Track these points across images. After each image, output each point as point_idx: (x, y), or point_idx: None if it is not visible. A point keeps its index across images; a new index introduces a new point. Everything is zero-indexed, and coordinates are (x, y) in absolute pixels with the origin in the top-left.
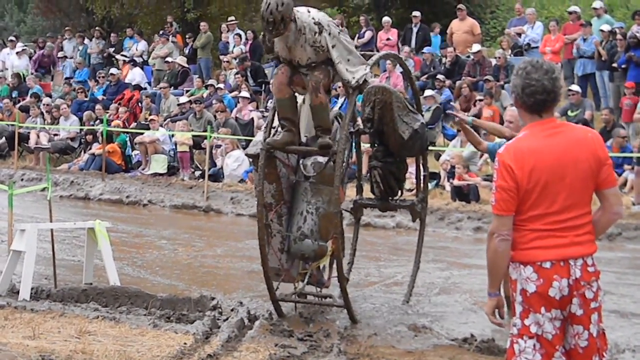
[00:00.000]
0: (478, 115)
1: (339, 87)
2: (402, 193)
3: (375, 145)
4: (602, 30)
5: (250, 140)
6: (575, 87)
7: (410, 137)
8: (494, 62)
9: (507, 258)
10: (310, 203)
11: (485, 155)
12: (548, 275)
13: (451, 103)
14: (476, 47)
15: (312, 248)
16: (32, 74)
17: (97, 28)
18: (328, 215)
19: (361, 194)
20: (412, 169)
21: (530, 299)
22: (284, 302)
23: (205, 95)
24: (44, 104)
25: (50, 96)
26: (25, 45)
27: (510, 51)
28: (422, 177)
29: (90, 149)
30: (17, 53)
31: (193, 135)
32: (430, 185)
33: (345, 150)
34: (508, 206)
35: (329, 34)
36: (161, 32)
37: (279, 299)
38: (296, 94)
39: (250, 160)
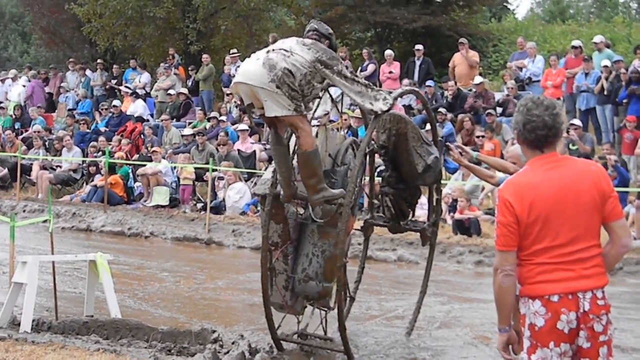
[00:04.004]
0: (477, 149)
1: (345, 119)
2: (413, 215)
3: (388, 170)
4: (605, 66)
5: (252, 173)
6: (577, 122)
7: (424, 171)
8: (499, 95)
9: (512, 293)
10: (316, 245)
11: (487, 189)
12: (556, 308)
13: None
14: (478, 80)
15: (316, 290)
16: (25, 104)
17: (99, 60)
18: (334, 258)
19: (372, 212)
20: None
21: (539, 334)
22: (281, 330)
23: (207, 127)
24: (35, 131)
25: (49, 130)
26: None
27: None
28: (434, 202)
29: (92, 180)
30: (23, 85)
31: (195, 168)
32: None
33: (358, 178)
34: (509, 241)
35: None
36: (166, 65)
37: (281, 338)
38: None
39: (254, 194)
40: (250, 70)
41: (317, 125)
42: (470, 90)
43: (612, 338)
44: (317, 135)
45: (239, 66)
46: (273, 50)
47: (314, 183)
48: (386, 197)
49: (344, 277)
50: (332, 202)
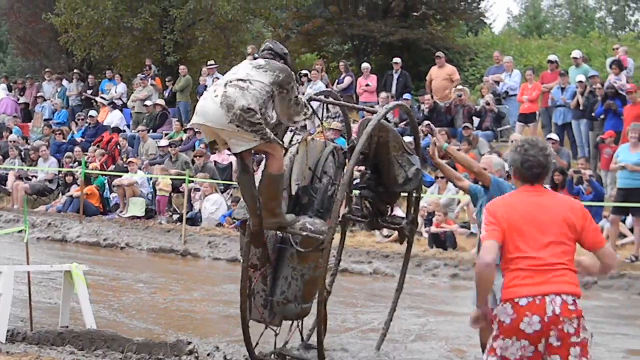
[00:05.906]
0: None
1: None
2: (392, 211)
3: (367, 173)
4: (580, 81)
5: (228, 185)
6: (554, 136)
7: (404, 182)
8: (477, 107)
9: (490, 281)
10: (295, 269)
11: (463, 202)
12: (521, 311)
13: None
14: (460, 87)
15: (295, 311)
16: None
17: (75, 70)
18: (313, 280)
19: (349, 206)
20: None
21: (504, 329)
22: (259, 347)
23: (184, 138)
24: (10, 141)
25: (25, 140)
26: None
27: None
28: (413, 200)
29: (68, 190)
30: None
31: (171, 179)
32: None
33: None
34: (493, 234)
35: None
36: (143, 76)
37: (259, 358)
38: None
39: (234, 218)
40: (208, 112)
41: (298, 143)
42: (446, 104)
43: (587, 343)
44: (297, 152)
45: (216, 77)
46: (230, 82)
47: (273, 206)
48: (365, 201)
49: (324, 310)
50: (315, 233)
